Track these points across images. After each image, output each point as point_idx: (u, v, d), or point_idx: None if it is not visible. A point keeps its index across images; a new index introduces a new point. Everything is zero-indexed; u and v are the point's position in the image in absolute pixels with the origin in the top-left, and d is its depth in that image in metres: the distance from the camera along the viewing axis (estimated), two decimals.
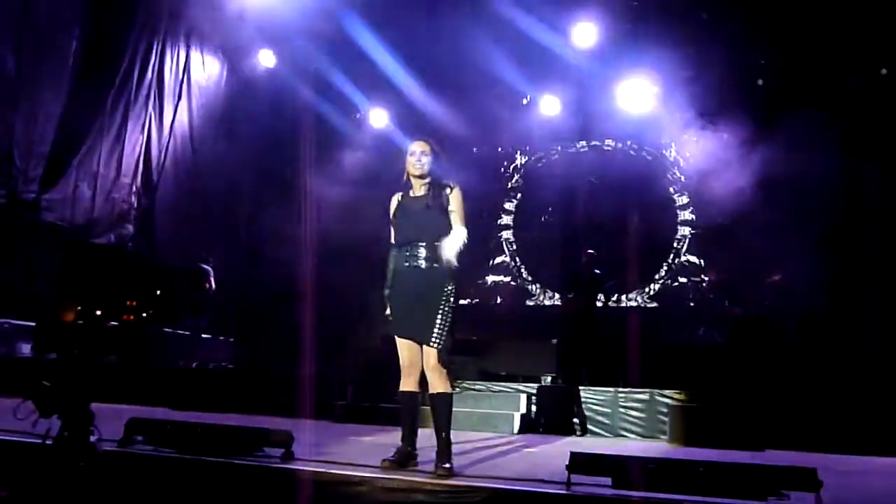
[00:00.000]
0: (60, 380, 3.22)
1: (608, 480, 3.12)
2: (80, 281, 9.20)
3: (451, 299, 3.66)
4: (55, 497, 3.03)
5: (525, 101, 11.97)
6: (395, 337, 3.76)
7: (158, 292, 10.66)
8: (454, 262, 3.60)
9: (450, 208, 3.75)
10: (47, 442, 3.15)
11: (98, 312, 9.73)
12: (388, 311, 3.81)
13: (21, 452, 3.47)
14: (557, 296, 11.86)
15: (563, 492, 3.08)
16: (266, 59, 11.44)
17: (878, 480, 4.53)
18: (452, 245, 3.60)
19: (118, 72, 9.61)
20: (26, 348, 7.41)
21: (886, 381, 7.95)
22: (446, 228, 3.70)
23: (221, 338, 10.84)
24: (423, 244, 3.69)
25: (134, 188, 9.89)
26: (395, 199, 3.92)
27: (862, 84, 10.07)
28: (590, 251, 9.30)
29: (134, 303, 10.12)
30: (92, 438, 3.17)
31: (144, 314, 10.15)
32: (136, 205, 9.91)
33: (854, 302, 9.23)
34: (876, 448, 5.82)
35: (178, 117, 10.75)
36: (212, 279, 10.00)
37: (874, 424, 6.08)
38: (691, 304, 9.18)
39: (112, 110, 9.55)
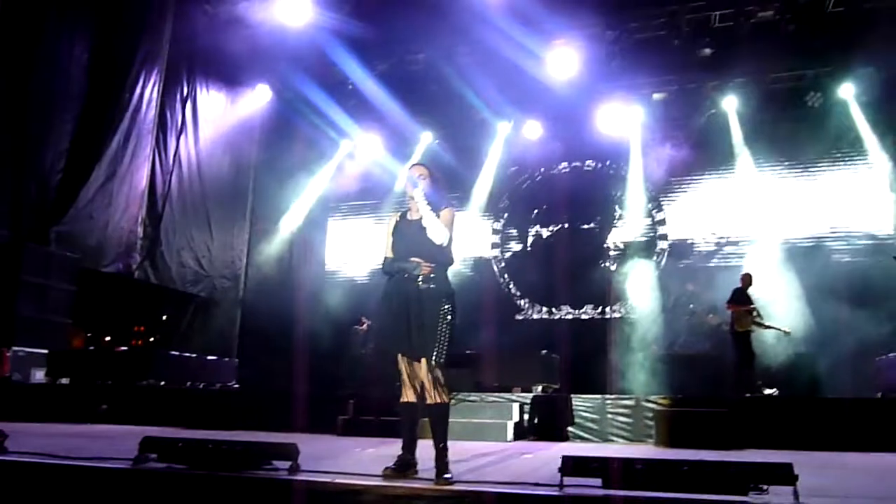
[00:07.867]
0: None
1: (598, 481, 3.28)
2: (90, 309, 9.43)
3: (449, 317, 3.77)
4: None
5: (509, 125, 12.31)
6: (397, 354, 3.89)
7: (165, 317, 10.89)
8: (441, 233, 3.77)
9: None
10: None
11: (107, 338, 9.97)
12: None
13: None
14: (545, 309, 12.16)
15: (557, 493, 3.24)
16: (263, 93, 11.80)
17: (851, 473, 4.69)
18: (437, 229, 3.78)
19: (124, 105, 9.85)
20: (40, 374, 7.59)
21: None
22: (440, 251, 3.83)
23: (226, 359, 11.00)
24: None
25: (139, 218, 10.09)
26: (394, 220, 4.04)
27: None
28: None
29: (142, 328, 10.36)
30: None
31: (152, 338, 10.39)
32: (141, 234, 10.09)
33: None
34: (849, 445, 6.02)
35: (183, 149, 10.99)
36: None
37: (847, 422, 6.29)
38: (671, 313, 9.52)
39: (118, 143, 9.76)
